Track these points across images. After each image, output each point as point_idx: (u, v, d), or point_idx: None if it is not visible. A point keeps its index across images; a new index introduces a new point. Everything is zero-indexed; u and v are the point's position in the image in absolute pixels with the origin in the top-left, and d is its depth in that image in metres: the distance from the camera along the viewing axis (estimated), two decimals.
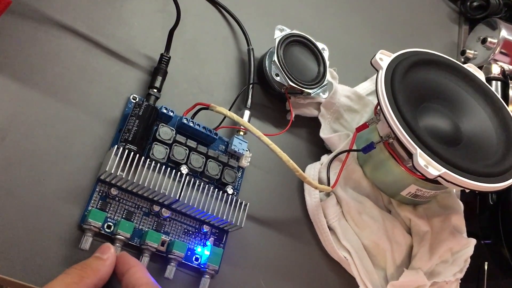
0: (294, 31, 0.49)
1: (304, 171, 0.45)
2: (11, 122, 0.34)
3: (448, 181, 0.42)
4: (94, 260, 0.30)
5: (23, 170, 0.33)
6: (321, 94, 0.49)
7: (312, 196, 0.46)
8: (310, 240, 0.44)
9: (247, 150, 0.41)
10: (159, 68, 0.41)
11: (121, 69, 0.41)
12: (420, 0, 0.72)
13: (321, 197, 0.46)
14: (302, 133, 0.48)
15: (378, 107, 0.44)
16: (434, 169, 0.41)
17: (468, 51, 0.70)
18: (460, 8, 0.77)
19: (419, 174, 0.43)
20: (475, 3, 0.74)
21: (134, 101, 0.39)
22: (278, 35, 0.47)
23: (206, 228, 0.38)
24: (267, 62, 0.47)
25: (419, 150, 0.41)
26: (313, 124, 0.48)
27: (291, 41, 0.48)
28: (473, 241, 0.48)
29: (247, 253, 0.40)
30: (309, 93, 0.47)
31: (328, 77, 0.49)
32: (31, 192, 0.33)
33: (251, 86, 0.46)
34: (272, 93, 0.47)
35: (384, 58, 0.46)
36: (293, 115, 0.47)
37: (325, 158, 0.48)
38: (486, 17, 0.73)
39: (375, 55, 0.45)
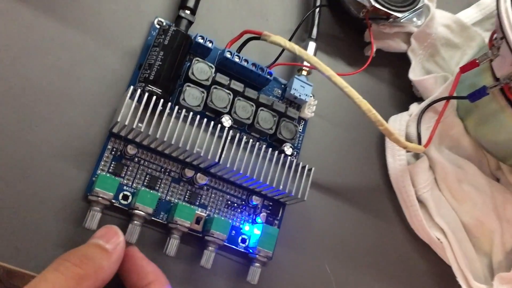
0: None
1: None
2: None
3: None
4: (96, 250, 0.21)
5: (9, 113, 0.25)
6: (414, 19, 0.37)
7: (396, 158, 0.36)
8: (392, 216, 0.36)
9: (311, 96, 0.33)
10: None
11: None
12: None
13: (409, 160, 0.37)
14: (385, 74, 0.39)
15: (495, 36, 0.34)
16: None
17: None
18: None
19: None
20: None
21: (160, 27, 0.28)
22: None
23: (256, 200, 0.29)
24: None
25: None
26: (400, 62, 0.39)
27: None
28: None
29: (309, 231, 0.32)
30: (398, 19, 0.36)
31: None
32: (18, 146, 0.25)
33: (318, 9, 0.35)
34: (346, 18, 0.38)
35: None
36: (374, 49, 0.36)
37: (415, 108, 0.38)
38: None
39: None
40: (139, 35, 0.30)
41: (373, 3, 0.34)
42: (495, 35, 0.35)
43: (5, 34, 0.26)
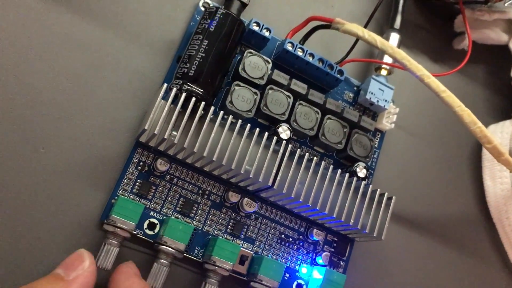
0: None
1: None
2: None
3: None
4: (48, 283, 0.18)
5: (15, 131, 0.20)
6: None
7: (497, 181, 0.30)
8: (491, 255, 0.30)
9: (391, 102, 0.27)
10: None
11: None
12: None
13: None
14: (481, 73, 0.33)
15: None
16: None
17: None
18: None
19: None
20: None
21: (205, 9, 0.23)
22: None
23: (317, 235, 0.24)
24: None
25: None
26: (499, 57, 0.33)
27: None
28: None
29: (384, 275, 0.26)
30: (500, 2, 0.29)
31: None
32: (28, 162, 0.20)
33: None
34: (433, 4, 0.31)
35: None
36: (471, 42, 0.29)
37: None
38: None
39: None
40: (181, 21, 0.25)
41: None
42: None
43: (22, 33, 0.21)
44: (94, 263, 0.18)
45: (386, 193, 0.23)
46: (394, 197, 0.23)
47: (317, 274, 0.23)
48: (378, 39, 0.24)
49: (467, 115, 0.24)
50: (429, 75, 0.23)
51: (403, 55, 0.24)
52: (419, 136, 0.29)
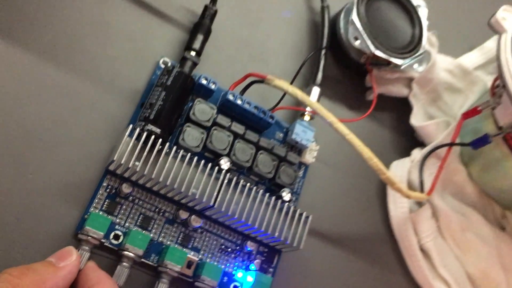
0: None
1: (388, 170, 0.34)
2: None
3: None
4: (42, 266, 0.21)
5: (3, 158, 0.24)
6: (415, 66, 0.37)
7: (398, 206, 0.35)
8: (394, 266, 0.34)
9: (313, 141, 0.32)
10: (201, 25, 0.31)
11: (148, 25, 0.31)
12: None
13: (411, 207, 0.36)
14: (386, 119, 0.39)
15: (497, 83, 0.34)
16: None
17: None
18: None
19: None
20: None
21: (164, 67, 0.29)
22: None
23: (250, 246, 0.28)
24: (342, 22, 0.36)
25: None
26: (402, 107, 0.38)
27: None
28: None
29: (305, 281, 0.30)
30: (399, 65, 0.36)
31: (424, 44, 0.37)
32: (13, 189, 0.24)
33: (323, 52, 0.35)
34: (348, 64, 0.38)
35: (508, 18, 0.34)
36: (376, 94, 0.36)
37: (417, 154, 0.37)
38: None
39: (495, 13, 0.34)
40: (144, 74, 0.30)
41: (374, 50, 0.34)
42: (497, 82, 0.35)
43: (4, 80, 0.26)
44: (79, 258, 0.23)
45: (305, 213, 0.28)
46: (310, 216, 0.28)
47: (250, 278, 0.27)
48: (299, 93, 0.30)
49: (365, 152, 0.29)
50: (336, 121, 0.29)
51: (317, 106, 0.30)
52: (336, 168, 0.34)
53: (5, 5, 0.27)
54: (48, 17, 0.28)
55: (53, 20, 0.28)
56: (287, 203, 0.28)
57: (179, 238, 0.27)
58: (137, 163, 0.25)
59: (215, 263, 0.27)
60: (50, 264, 0.22)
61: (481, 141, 0.34)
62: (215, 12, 0.32)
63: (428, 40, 0.39)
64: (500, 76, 0.32)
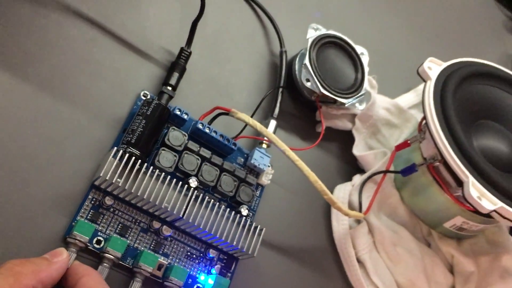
0: (330, 32, 0.43)
1: (332, 192, 0.39)
2: None
3: (504, 217, 0.35)
4: (39, 260, 0.25)
5: (4, 174, 0.29)
6: (357, 105, 0.43)
7: (340, 223, 0.40)
8: (335, 274, 0.39)
9: (269, 166, 0.37)
10: (177, 64, 0.36)
11: (132, 62, 0.36)
12: (472, 6, 0.65)
13: (351, 224, 0.41)
14: (333, 148, 0.44)
15: (424, 122, 0.40)
16: (488, 202, 0.35)
17: None
18: None
19: (468, 205, 0.37)
20: None
21: (145, 99, 0.34)
22: (311, 34, 0.42)
23: (212, 253, 0.33)
24: (297, 65, 0.42)
25: (471, 178, 0.35)
26: (346, 138, 0.44)
27: (326, 43, 0.43)
28: None
29: (258, 285, 0.35)
30: (343, 103, 0.41)
31: (366, 86, 0.43)
32: (11, 199, 0.29)
33: (280, 90, 0.41)
34: (301, 100, 0.43)
35: (433, 67, 0.41)
36: (324, 127, 0.41)
37: (358, 179, 0.43)
38: None
39: (423, 64, 0.40)
40: (127, 104, 0.34)
41: (322, 90, 0.40)
42: (423, 121, 0.42)
43: (7, 107, 0.30)
44: (69, 256, 0.27)
45: (259, 226, 0.33)
46: (264, 229, 0.33)
47: (211, 281, 0.32)
48: (258, 125, 0.35)
49: (312, 176, 0.34)
50: (288, 149, 0.35)
51: (273, 136, 0.35)
52: (288, 189, 0.39)
53: (8, 40, 0.32)
54: (47, 53, 0.33)
55: (50, 56, 0.33)
56: (244, 217, 0.33)
57: (152, 245, 0.32)
58: (119, 179, 0.29)
59: (182, 267, 0.32)
60: (46, 259, 0.26)
61: (409, 170, 0.40)
62: (190, 53, 0.38)
63: (369, 82, 0.46)
64: (424, 115, 0.38)
